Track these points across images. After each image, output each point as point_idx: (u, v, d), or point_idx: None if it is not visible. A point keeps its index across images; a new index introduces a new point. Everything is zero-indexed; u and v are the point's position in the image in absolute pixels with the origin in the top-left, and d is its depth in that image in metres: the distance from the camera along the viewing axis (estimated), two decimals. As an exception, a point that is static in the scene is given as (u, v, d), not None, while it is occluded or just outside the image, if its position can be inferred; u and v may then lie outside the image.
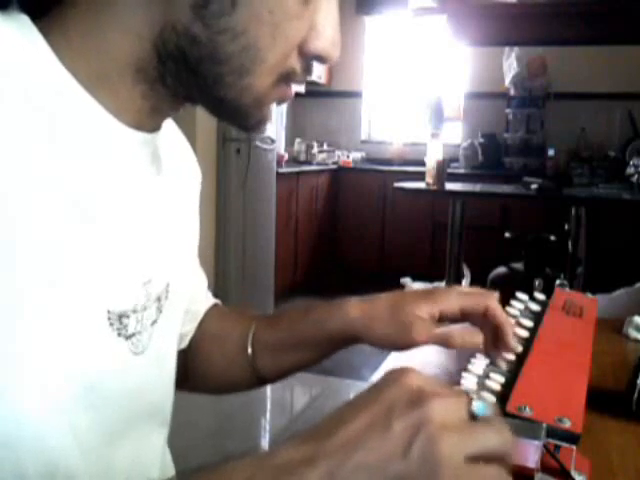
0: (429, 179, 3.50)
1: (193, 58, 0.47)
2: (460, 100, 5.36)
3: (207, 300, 0.78)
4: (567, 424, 0.54)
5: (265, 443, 2.65)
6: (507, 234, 3.61)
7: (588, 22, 2.21)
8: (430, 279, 4.14)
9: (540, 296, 0.86)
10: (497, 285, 3.24)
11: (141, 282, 0.51)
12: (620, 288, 1.93)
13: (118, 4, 0.46)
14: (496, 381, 0.64)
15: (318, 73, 5.26)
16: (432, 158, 3.50)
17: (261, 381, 0.74)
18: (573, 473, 0.55)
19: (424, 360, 0.78)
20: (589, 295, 0.95)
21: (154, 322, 0.54)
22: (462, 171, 5.02)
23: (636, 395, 0.73)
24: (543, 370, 0.66)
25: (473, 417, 0.40)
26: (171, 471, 0.65)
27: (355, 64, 5.53)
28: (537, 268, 3.13)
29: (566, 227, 3.38)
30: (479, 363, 0.68)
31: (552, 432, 0.54)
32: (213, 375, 0.76)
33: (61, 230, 0.43)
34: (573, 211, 3.38)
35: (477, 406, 0.40)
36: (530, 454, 0.51)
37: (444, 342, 0.65)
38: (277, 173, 4.20)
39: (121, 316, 0.48)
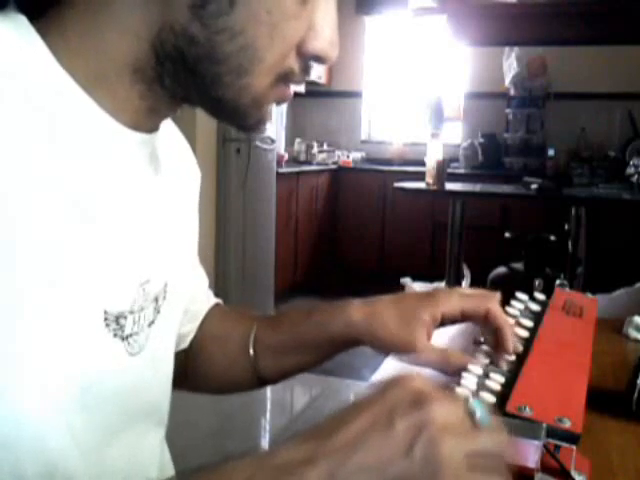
0: (429, 179, 3.50)
1: (191, 58, 0.47)
2: (460, 100, 5.36)
3: (208, 300, 0.78)
4: (567, 424, 0.54)
5: (265, 443, 2.65)
6: (507, 234, 3.61)
7: (588, 22, 2.21)
8: (430, 279, 4.14)
9: (540, 296, 0.86)
10: (497, 285, 3.24)
11: (139, 282, 0.51)
12: (620, 288, 1.93)
13: (116, 4, 0.46)
14: (496, 381, 0.64)
15: (318, 73, 5.26)
16: (432, 158, 3.50)
17: (262, 382, 0.74)
18: (573, 473, 0.55)
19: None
20: (589, 295, 0.95)
21: (151, 323, 0.54)
22: (462, 171, 5.02)
23: (636, 395, 0.73)
24: (543, 370, 0.66)
25: (471, 416, 0.40)
26: (170, 471, 0.65)
27: (355, 64, 5.53)
28: (537, 268, 3.13)
29: (566, 227, 3.38)
30: (479, 363, 0.68)
31: (552, 432, 0.54)
32: (214, 375, 0.76)
33: (61, 230, 0.43)
34: (573, 211, 3.38)
35: (474, 405, 0.40)
36: (530, 454, 0.51)
37: (442, 367, 0.67)
38: (277, 173, 4.20)
39: (118, 317, 0.48)
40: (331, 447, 0.38)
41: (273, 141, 4.09)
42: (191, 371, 0.74)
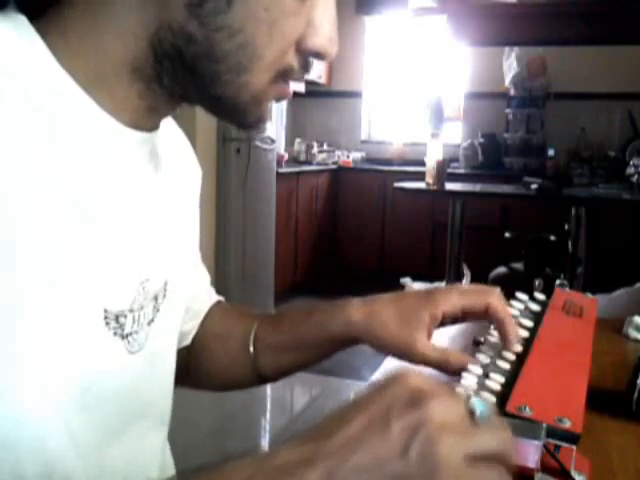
0: (429, 179, 3.50)
1: (189, 56, 0.46)
2: (460, 100, 5.36)
3: (210, 298, 0.78)
4: (567, 424, 0.54)
5: (265, 443, 2.65)
6: (507, 234, 3.61)
7: (588, 22, 2.21)
8: (430, 279, 4.13)
9: (540, 296, 0.86)
10: (497, 285, 3.23)
11: (138, 281, 0.51)
12: (620, 288, 1.93)
13: (115, 4, 0.46)
14: (496, 381, 0.64)
15: (318, 73, 5.26)
16: (432, 158, 3.50)
17: (262, 379, 0.75)
18: (573, 473, 0.55)
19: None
20: (589, 295, 0.95)
21: (151, 321, 0.54)
22: (462, 171, 5.02)
23: (636, 395, 0.72)
24: (543, 370, 0.66)
25: (471, 414, 0.40)
26: (171, 471, 0.65)
27: (355, 64, 5.53)
28: (537, 268, 3.13)
29: (566, 227, 3.38)
30: (479, 363, 0.68)
31: (552, 432, 0.54)
32: (216, 372, 0.76)
33: (61, 230, 0.43)
34: (573, 211, 3.38)
35: (475, 403, 0.40)
36: (530, 454, 0.51)
37: (442, 367, 0.67)
38: (277, 173, 4.20)
39: (118, 316, 0.48)
40: (330, 448, 0.38)
41: (273, 141, 4.09)
42: (193, 368, 0.74)
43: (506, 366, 0.68)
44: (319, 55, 0.50)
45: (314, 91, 5.33)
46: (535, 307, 0.83)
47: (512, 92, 4.99)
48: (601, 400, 0.73)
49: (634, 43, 3.60)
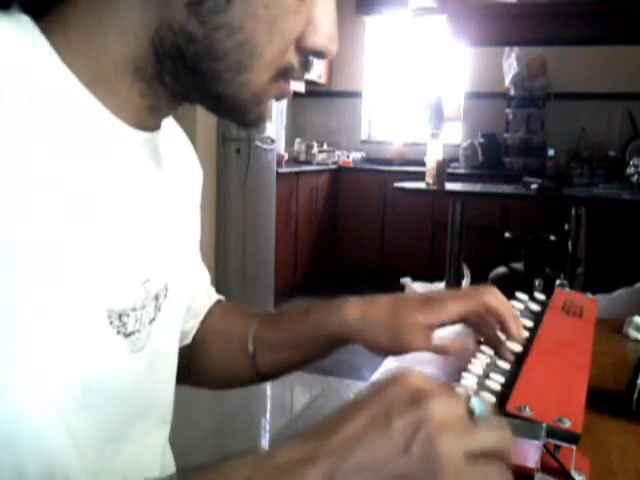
0: (429, 179, 3.50)
1: (190, 55, 0.47)
2: (460, 100, 5.36)
3: (210, 297, 0.79)
4: (567, 424, 0.54)
5: (265, 443, 2.65)
6: (507, 234, 3.61)
7: (588, 22, 2.21)
8: (430, 279, 4.14)
9: (540, 296, 0.86)
10: (497, 285, 3.23)
11: (140, 281, 0.51)
12: (620, 288, 1.93)
13: (118, 4, 0.46)
14: (496, 381, 0.64)
15: (318, 73, 5.27)
16: (432, 158, 3.50)
17: (261, 377, 0.75)
18: (573, 473, 0.55)
19: (424, 360, 0.78)
20: (589, 295, 0.95)
21: (152, 320, 0.54)
22: (462, 171, 5.02)
23: (636, 395, 0.73)
24: (543, 370, 0.66)
25: (471, 414, 0.40)
26: (172, 471, 0.65)
27: (355, 64, 5.53)
28: (537, 268, 3.13)
29: (566, 227, 3.38)
30: (479, 363, 0.68)
31: (552, 432, 0.54)
32: (215, 370, 0.77)
33: (61, 230, 0.43)
34: (573, 211, 3.37)
35: (474, 403, 0.40)
36: (530, 454, 0.51)
37: (437, 350, 0.67)
38: (277, 173, 4.20)
39: (121, 314, 0.49)
40: (330, 447, 0.38)
41: (273, 141, 4.09)
42: (194, 366, 0.75)
43: (506, 366, 0.68)
44: (319, 54, 0.50)
45: (314, 91, 5.33)
46: (535, 307, 0.83)
47: (512, 92, 4.99)
48: (601, 400, 0.73)
49: (634, 43, 3.60)
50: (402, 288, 4.28)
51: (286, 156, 4.84)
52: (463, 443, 0.38)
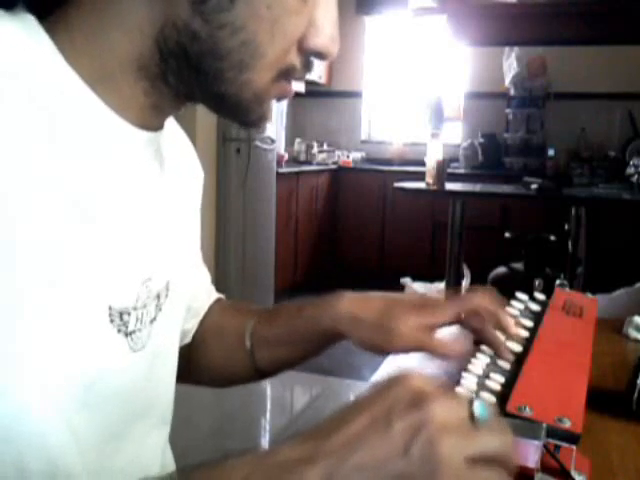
0: (429, 179, 3.50)
1: (194, 54, 0.47)
2: (460, 100, 5.36)
3: (210, 296, 0.79)
4: (567, 424, 0.54)
5: (265, 443, 2.65)
6: (507, 234, 3.61)
7: (588, 22, 2.21)
8: (430, 279, 4.13)
9: (540, 296, 0.86)
10: (497, 285, 3.23)
11: (141, 280, 0.51)
12: (620, 288, 1.93)
13: (121, 3, 0.46)
14: (496, 381, 0.64)
15: (318, 73, 5.26)
16: (432, 158, 3.50)
17: (260, 374, 0.75)
18: (573, 473, 0.55)
19: (424, 360, 0.78)
20: (589, 295, 0.95)
21: (153, 320, 0.54)
22: (462, 171, 5.02)
23: (636, 395, 0.73)
24: (543, 370, 0.66)
25: (472, 417, 0.40)
26: (172, 470, 0.65)
27: (355, 64, 5.53)
28: (537, 268, 3.13)
29: (566, 227, 3.37)
30: (479, 363, 0.68)
31: (552, 432, 0.54)
32: (214, 368, 0.77)
33: (61, 230, 0.43)
34: (573, 211, 3.37)
35: (477, 406, 0.40)
36: (530, 454, 0.51)
37: (427, 350, 0.67)
38: (277, 173, 4.20)
39: (122, 313, 0.49)
40: (330, 447, 0.38)
41: (273, 141, 4.09)
42: (193, 364, 0.75)
43: (506, 366, 0.68)
44: (320, 55, 0.50)
45: (314, 91, 5.33)
46: (535, 307, 0.83)
47: (512, 92, 4.99)
48: (601, 400, 0.73)
49: (634, 43, 3.60)
50: (402, 288, 4.28)
51: (286, 156, 4.84)
52: (464, 446, 0.38)
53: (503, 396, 0.60)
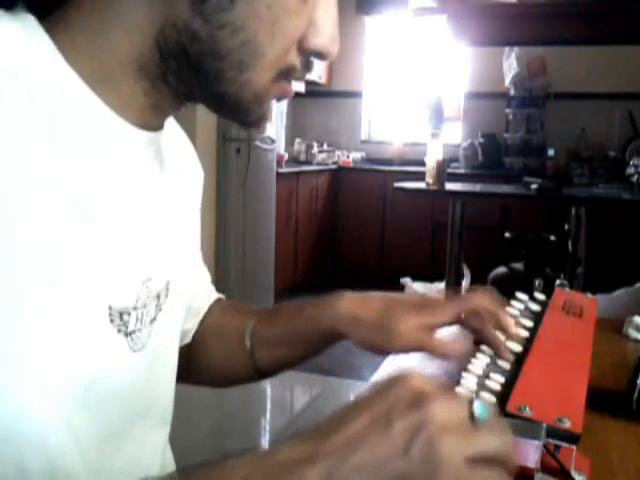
0: (429, 179, 3.50)
1: (194, 54, 0.47)
2: (460, 100, 5.36)
3: (210, 296, 0.79)
4: (567, 424, 0.54)
5: (265, 443, 2.65)
6: (507, 234, 3.61)
7: (588, 22, 2.21)
8: (430, 279, 4.13)
9: (540, 296, 0.86)
10: (497, 285, 3.23)
11: (141, 280, 0.51)
12: (620, 288, 1.93)
13: (121, 3, 0.46)
14: (496, 381, 0.64)
15: (318, 73, 5.26)
16: (432, 158, 3.50)
17: (260, 374, 0.75)
18: (573, 473, 0.55)
19: (424, 360, 0.78)
20: (589, 295, 0.95)
21: (153, 320, 0.54)
22: (462, 171, 5.02)
23: (636, 395, 0.73)
24: (543, 370, 0.66)
25: (472, 417, 0.40)
26: (172, 470, 0.65)
27: (355, 64, 5.53)
28: (537, 268, 3.13)
29: (566, 227, 3.37)
30: (479, 363, 0.68)
31: (552, 432, 0.54)
32: (214, 368, 0.77)
33: (61, 230, 0.43)
34: (573, 211, 3.37)
35: (477, 406, 0.40)
36: (530, 454, 0.51)
37: (427, 350, 0.66)
38: (277, 173, 4.20)
39: (122, 313, 0.49)
40: (330, 447, 0.38)
41: (273, 141, 4.09)
42: (193, 364, 0.75)
43: (506, 366, 0.68)
44: (320, 55, 0.50)
45: (314, 91, 5.33)
46: (535, 307, 0.83)
47: (512, 92, 4.99)
48: (601, 400, 0.73)
49: (634, 43, 3.60)
50: (402, 288, 4.28)
51: (286, 156, 4.84)
52: (464, 447, 0.38)
53: (503, 396, 0.60)
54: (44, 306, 0.42)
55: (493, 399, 0.61)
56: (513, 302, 0.82)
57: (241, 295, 3.90)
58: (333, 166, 5.31)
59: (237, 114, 0.52)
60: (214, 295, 0.80)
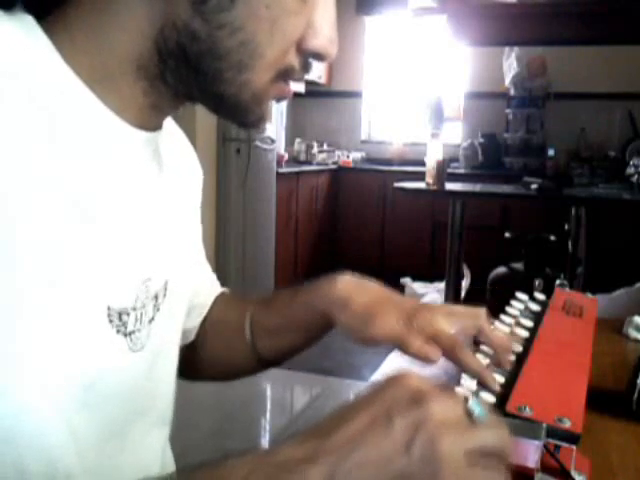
0: (429, 179, 3.50)
1: (193, 54, 0.47)
2: (460, 100, 5.35)
3: (212, 293, 0.78)
4: (567, 424, 0.54)
5: (265, 443, 2.65)
6: (507, 234, 3.61)
7: (588, 22, 2.21)
8: (430, 279, 4.14)
9: (540, 296, 0.86)
10: (497, 285, 3.24)
11: (141, 280, 0.51)
12: (620, 288, 1.93)
13: (121, 3, 0.46)
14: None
15: (318, 73, 5.26)
16: (432, 158, 3.50)
17: (264, 364, 0.74)
18: (573, 473, 0.55)
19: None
20: (589, 295, 0.95)
21: (152, 320, 0.54)
22: (462, 171, 5.02)
23: (636, 395, 0.73)
24: (543, 370, 0.66)
25: (469, 415, 0.40)
26: (172, 470, 0.65)
27: (355, 64, 5.53)
28: (537, 268, 3.13)
29: (566, 227, 3.38)
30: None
31: (552, 432, 0.54)
32: (217, 360, 0.77)
33: (61, 230, 0.43)
34: (573, 211, 3.38)
35: (472, 404, 0.41)
36: (530, 454, 0.51)
37: (400, 345, 0.62)
38: (277, 173, 4.20)
39: (121, 313, 0.49)
40: (331, 446, 0.38)
41: (273, 141, 4.09)
42: (197, 359, 0.75)
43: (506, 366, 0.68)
44: (319, 56, 0.50)
45: (314, 91, 5.33)
46: (535, 307, 0.83)
47: (512, 92, 4.99)
48: (601, 400, 0.73)
49: (634, 43, 3.60)
50: (402, 288, 4.28)
51: (286, 156, 4.84)
52: (463, 442, 0.38)
53: (503, 396, 0.60)
54: (44, 306, 0.42)
55: (493, 399, 0.61)
56: (513, 302, 0.82)
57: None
58: (333, 166, 5.31)
59: (236, 114, 0.52)
60: (218, 290, 0.79)
